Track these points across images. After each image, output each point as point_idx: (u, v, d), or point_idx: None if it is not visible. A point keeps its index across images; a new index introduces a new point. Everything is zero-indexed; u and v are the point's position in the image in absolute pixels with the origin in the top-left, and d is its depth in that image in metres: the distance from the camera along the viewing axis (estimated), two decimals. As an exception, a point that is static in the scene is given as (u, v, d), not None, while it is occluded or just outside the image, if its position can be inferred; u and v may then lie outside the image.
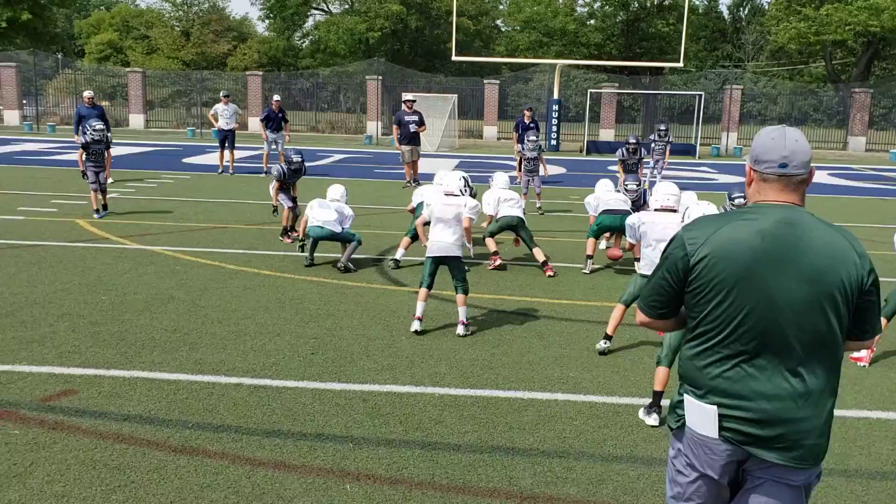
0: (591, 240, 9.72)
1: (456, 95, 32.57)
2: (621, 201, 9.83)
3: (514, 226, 9.71)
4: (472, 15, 47.79)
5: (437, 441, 4.78)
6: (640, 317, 2.71)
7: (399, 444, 4.73)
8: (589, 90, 33.69)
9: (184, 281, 8.49)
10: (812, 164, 2.49)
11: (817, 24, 34.70)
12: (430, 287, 7.02)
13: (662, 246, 6.31)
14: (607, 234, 10.67)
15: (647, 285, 2.67)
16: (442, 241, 6.97)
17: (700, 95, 31.19)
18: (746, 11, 68.51)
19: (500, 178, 10.28)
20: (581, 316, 7.63)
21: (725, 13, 69.29)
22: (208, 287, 8.27)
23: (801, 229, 2.40)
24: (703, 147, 31.87)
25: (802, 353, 2.39)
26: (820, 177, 22.68)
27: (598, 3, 38.59)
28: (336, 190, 9.85)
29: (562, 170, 23.00)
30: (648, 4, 37.83)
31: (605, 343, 6.53)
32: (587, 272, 9.54)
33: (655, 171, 18.15)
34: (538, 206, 14.60)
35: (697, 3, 42.59)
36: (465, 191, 7.09)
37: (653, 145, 18.14)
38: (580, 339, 6.89)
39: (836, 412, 5.26)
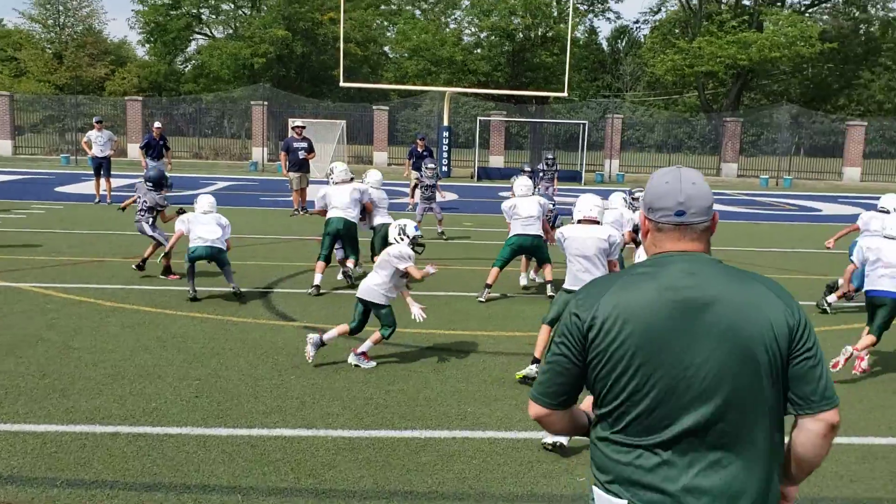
0: (495, 269, 9.44)
1: (345, 121, 32.34)
2: (535, 209, 9.32)
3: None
4: (360, 41, 47.70)
5: (330, 488, 4.53)
6: (535, 409, 2.21)
7: (290, 492, 4.46)
8: (478, 117, 34.15)
9: (55, 320, 7.91)
10: (714, 209, 2.14)
11: (691, 56, 36.43)
12: (356, 331, 6.88)
13: (584, 262, 6.33)
14: (525, 264, 10.56)
15: (541, 372, 2.21)
16: (367, 283, 6.84)
17: (584, 124, 32.13)
18: (624, 44, 71.37)
19: (372, 176, 10.84)
20: (477, 347, 7.53)
21: (605, 45, 71.98)
22: (82, 327, 7.73)
23: (708, 279, 2.01)
24: (588, 173, 32.78)
25: (728, 429, 1.96)
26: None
27: (485, 34, 39.28)
28: (206, 200, 9.39)
29: (454, 196, 23.09)
30: (533, 36, 38.79)
31: (535, 367, 6.44)
32: (482, 300, 9.48)
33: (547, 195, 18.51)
34: (440, 231, 14.58)
35: (579, 35, 44.02)
36: (401, 239, 6.90)
37: (541, 174, 18.53)
38: (478, 371, 6.77)
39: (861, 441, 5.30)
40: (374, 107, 36.34)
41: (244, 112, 38.09)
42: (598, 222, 6.51)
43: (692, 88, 47.45)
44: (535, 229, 9.24)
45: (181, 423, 5.39)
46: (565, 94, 31.47)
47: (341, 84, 31.31)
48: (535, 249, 9.45)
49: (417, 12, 43.23)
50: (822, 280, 10.75)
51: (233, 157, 37.17)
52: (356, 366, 6.74)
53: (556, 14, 38.15)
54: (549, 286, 9.58)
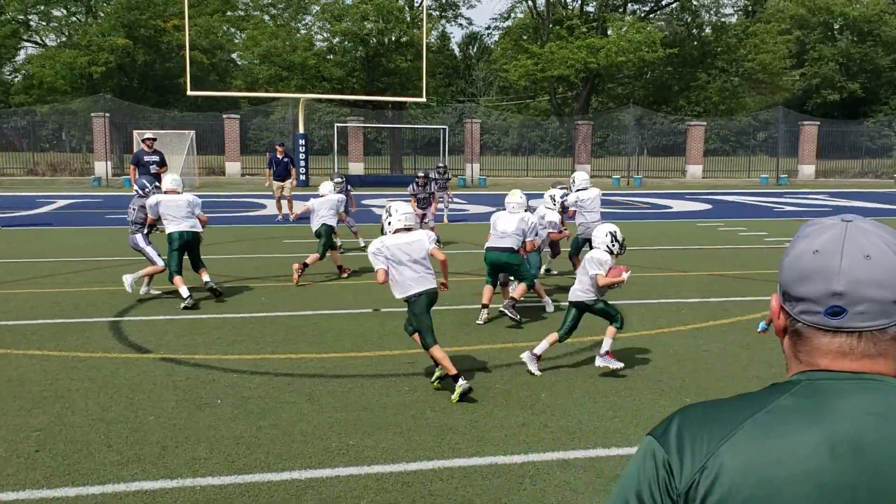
0: (487, 287, 8.80)
1: (193, 131, 30.90)
2: (512, 224, 8.64)
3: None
4: (206, 48, 45.84)
5: (202, 551, 3.97)
6: None
7: (155, 562, 3.87)
8: (335, 124, 33.53)
9: None
10: None
11: (543, 61, 37.24)
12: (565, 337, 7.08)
13: (403, 269, 6.28)
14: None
15: None
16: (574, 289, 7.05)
17: (444, 129, 32.17)
18: (476, 50, 72.50)
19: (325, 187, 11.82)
20: (353, 370, 7.06)
21: (457, 51, 72.82)
22: None
23: None
24: (452, 177, 32.84)
25: None
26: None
27: (337, 39, 38.70)
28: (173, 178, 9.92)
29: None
30: (387, 41, 38.54)
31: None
32: (480, 322, 8.74)
33: (441, 205, 18.34)
34: (362, 244, 14.19)
35: (432, 41, 44.23)
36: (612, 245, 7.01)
37: (433, 182, 18.31)
38: (355, 397, 6.31)
39: None
40: (225, 115, 34.99)
41: (84, 124, 35.74)
42: (410, 229, 6.60)
43: (544, 93, 48.65)
44: (510, 242, 8.61)
45: (18, 486, 4.65)
46: (424, 98, 31.38)
47: (188, 93, 29.85)
48: (508, 266, 8.74)
49: (266, 18, 42.01)
50: (708, 275, 10.96)
51: (73, 172, 34.81)
52: (611, 369, 6.80)
53: (409, 19, 38.05)
54: (509, 310, 8.56)
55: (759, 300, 9.96)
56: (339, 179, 14.50)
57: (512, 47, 43.69)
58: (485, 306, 8.73)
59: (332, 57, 40.21)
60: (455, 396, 6.13)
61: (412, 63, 38.29)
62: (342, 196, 12.00)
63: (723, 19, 45.03)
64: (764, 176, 36.04)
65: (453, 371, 6.20)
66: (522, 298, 8.86)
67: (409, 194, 15.03)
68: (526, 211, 8.91)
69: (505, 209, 8.92)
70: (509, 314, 8.49)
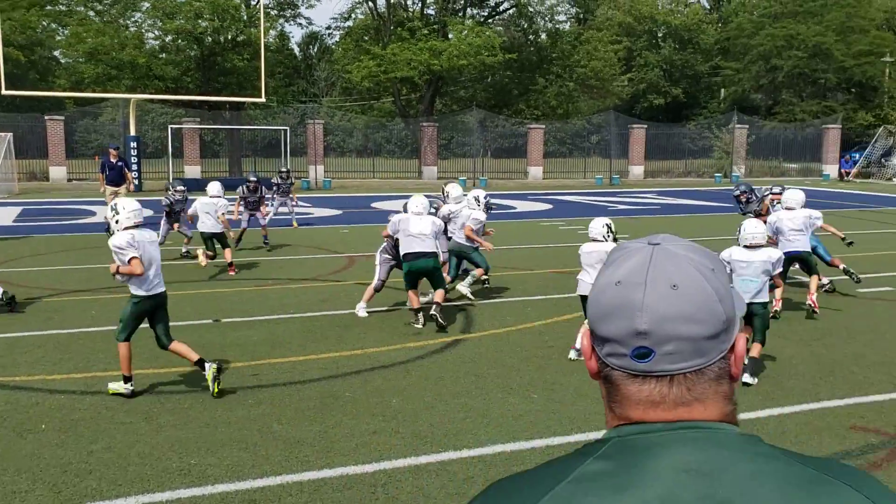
0: (412, 292, 8.69)
1: (11, 134, 28.63)
2: (427, 226, 8.60)
3: None
4: (23, 45, 42.72)
5: None
6: None
7: None
8: (169, 125, 32.09)
9: None
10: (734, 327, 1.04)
11: (385, 62, 37.22)
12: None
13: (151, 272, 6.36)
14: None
15: None
16: None
17: (286, 130, 31.50)
18: (316, 50, 71.62)
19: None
20: (194, 385, 6.67)
21: (297, 51, 71.66)
22: None
23: (739, 489, 0.92)
24: (294, 181, 32.17)
25: None
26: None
27: (170, 37, 37.04)
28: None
29: (149, 212, 21.28)
30: (223, 40, 37.26)
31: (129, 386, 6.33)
32: (420, 326, 8.46)
33: (286, 209, 17.98)
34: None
35: (270, 40, 43.24)
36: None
37: (275, 187, 17.86)
38: (196, 413, 5.97)
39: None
40: (47, 117, 32.66)
41: None
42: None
43: (388, 94, 48.71)
44: (431, 246, 8.55)
45: None
46: (263, 99, 30.57)
47: (3, 92, 27.61)
48: (431, 273, 8.68)
49: (91, 13, 39.59)
50: (551, 273, 11.20)
51: None
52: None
53: (245, 18, 36.94)
54: (419, 315, 8.55)
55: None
56: (182, 187, 14.01)
57: (353, 48, 43.45)
58: (418, 311, 8.55)
59: (164, 56, 38.46)
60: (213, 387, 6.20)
61: (250, 62, 37.26)
62: (224, 201, 12.44)
63: (557, 26, 46.75)
64: (599, 176, 37.68)
65: (195, 357, 6.35)
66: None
67: (239, 197, 14.67)
68: (430, 214, 8.94)
69: (404, 213, 8.89)
70: (439, 318, 8.30)
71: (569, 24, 52.53)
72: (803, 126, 44.50)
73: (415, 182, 35.86)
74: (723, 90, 58.27)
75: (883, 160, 41.22)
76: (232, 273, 11.86)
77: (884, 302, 10.21)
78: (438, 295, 8.65)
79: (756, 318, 6.90)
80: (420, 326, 8.52)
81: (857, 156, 41.88)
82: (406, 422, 5.79)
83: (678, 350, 0.99)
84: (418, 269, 8.59)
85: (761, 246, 7.10)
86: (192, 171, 33.05)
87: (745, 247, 7.10)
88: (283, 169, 18.69)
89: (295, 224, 18.04)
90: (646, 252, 1.03)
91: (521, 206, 25.10)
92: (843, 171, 41.54)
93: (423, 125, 36.91)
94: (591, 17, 54.41)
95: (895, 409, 6.18)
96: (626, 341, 1.00)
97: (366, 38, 44.34)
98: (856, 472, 0.98)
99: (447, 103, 47.30)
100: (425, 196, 9.11)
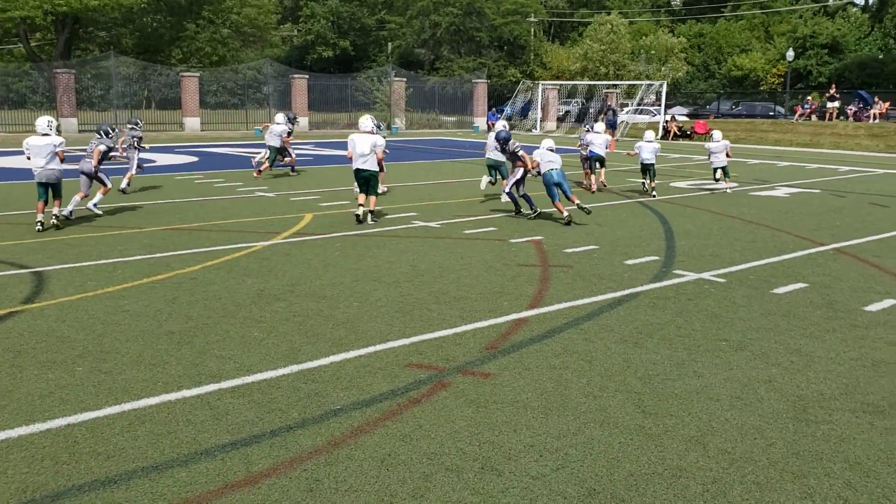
0: (362, 194, 12.08)
1: None
2: (367, 146, 11.90)
3: None
4: None
5: None
6: None
7: None
8: None
9: None
10: None
11: (4, 1, 32.72)
12: None
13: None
14: None
15: None
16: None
17: None
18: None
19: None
20: None
21: None
22: None
23: None
24: None
25: None
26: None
27: None
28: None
29: None
30: None
31: None
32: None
33: None
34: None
35: None
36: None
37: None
38: None
39: None
40: None
41: None
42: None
43: (15, 38, 43.16)
44: (371, 164, 11.83)
45: None
46: None
47: None
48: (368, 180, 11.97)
49: None
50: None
51: None
52: None
53: None
54: (370, 215, 11.97)
55: (203, 251, 9.81)
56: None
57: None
58: (361, 205, 11.92)
59: None
60: None
61: None
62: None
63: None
64: (258, 128, 36.77)
65: None
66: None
67: None
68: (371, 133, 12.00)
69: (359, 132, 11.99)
70: (370, 220, 11.87)
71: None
72: (461, 81, 47.12)
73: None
74: (390, 44, 59.79)
75: (523, 113, 45.07)
76: None
77: (481, 241, 10.83)
78: (372, 201, 12.11)
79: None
80: (366, 222, 11.82)
81: (508, 109, 45.35)
82: None
83: None
84: (362, 176, 12.00)
85: None
86: None
87: None
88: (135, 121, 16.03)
89: None
90: None
91: (164, 159, 23.49)
92: (489, 122, 44.78)
93: (56, 72, 33.12)
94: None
95: (453, 344, 6.40)
96: None
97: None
98: None
99: (89, 48, 43.09)
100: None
